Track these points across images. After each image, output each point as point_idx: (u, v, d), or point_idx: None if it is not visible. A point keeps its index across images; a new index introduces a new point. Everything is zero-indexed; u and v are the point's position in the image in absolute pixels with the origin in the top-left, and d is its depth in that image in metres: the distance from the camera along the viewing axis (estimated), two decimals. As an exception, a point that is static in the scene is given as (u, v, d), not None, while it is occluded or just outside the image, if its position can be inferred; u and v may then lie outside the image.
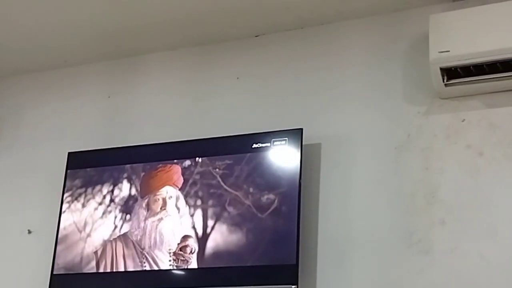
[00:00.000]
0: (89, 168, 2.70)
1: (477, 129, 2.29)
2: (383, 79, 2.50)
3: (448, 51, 2.23)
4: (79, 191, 2.68)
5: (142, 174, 2.60)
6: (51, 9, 2.68)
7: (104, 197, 2.63)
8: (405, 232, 2.26)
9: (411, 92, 2.44)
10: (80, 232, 2.61)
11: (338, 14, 2.62)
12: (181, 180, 2.53)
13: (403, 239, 2.25)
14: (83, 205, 2.65)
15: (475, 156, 2.26)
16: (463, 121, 2.33)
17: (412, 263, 2.22)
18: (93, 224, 2.61)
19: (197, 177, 2.50)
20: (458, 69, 2.25)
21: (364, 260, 2.29)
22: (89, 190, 2.66)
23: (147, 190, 2.58)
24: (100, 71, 3.04)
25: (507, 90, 2.29)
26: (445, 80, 2.28)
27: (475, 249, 2.15)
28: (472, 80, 2.27)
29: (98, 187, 2.65)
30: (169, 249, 2.45)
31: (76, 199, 2.67)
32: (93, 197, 2.65)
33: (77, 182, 2.70)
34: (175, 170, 2.55)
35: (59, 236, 2.64)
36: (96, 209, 2.63)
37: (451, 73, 2.27)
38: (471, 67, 2.23)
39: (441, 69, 2.26)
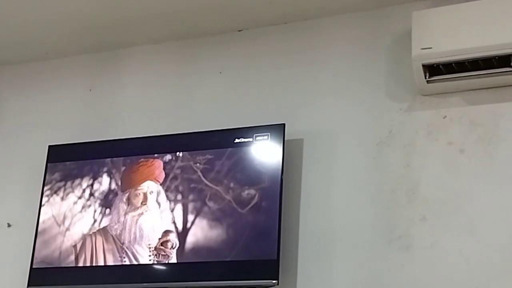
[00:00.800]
0: (69, 161, 2.68)
1: (458, 126, 2.30)
2: (366, 75, 2.50)
3: (431, 47, 2.24)
4: (59, 184, 2.66)
5: (123, 168, 2.59)
6: (33, 1, 2.65)
7: (84, 191, 2.61)
8: (386, 228, 2.27)
9: (393, 88, 2.44)
10: (59, 226, 2.59)
11: (321, 9, 2.62)
12: (163, 175, 2.52)
13: (384, 235, 2.26)
14: (63, 199, 2.63)
15: (456, 153, 2.27)
16: (444, 118, 2.34)
17: (392, 259, 2.22)
18: (73, 218, 2.59)
19: (178, 171, 2.49)
20: (440, 66, 2.26)
21: (345, 256, 2.29)
22: (69, 183, 2.64)
23: (128, 184, 2.56)
24: (82, 64, 3.02)
25: (488, 88, 2.30)
26: (427, 77, 2.29)
27: (455, 245, 2.16)
28: (454, 77, 2.27)
29: (77, 181, 2.63)
30: (149, 244, 2.43)
31: (55, 192, 2.65)
32: (73, 191, 2.63)
33: (57, 175, 2.67)
34: (157, 165, 2.54)
35: (38, 229, 2.62)
36: (75, 203, 2.61)
37: (433, 70, 2.28)
38: (453, 64, 2.24)
39: (423, 65, 2.26)
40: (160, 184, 2.50)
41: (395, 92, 2.44)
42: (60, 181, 2.66)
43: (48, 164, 2.71)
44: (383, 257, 2.24)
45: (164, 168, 2.52)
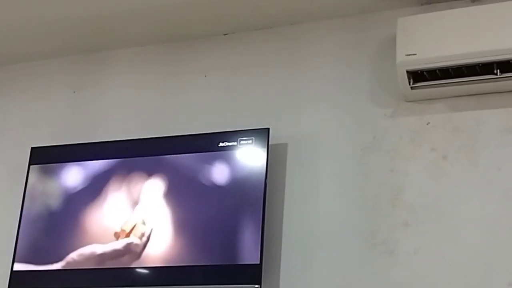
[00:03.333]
0: (52, 163, 2.66)
1: (442, 132, 2.32)
2: (350, 81, 2.51)
3: (415, 54, 2.25)
4: (41, 186, 2.63)
5: (108, 171, 2.57)
6: (18, 2, 2.63)
7: (67, 193, 2.59)
8: (369, 233, 2.27)
9: (377, 94, 2.46)
10: (41, 228, 2.57)
11: (307, 14, 2.63)
12: (148, 177, 2.50)
13: (367, 240, 2.27)
14: (45, 201, 2.61)
15: (439, 159, 2.29)
16: (428, 124, 2.35)
17: (375, 264, 2.23)
18: (54, 220, 2.56)
19: (162, 174, 2.48)
20: (424, 73, 2.27)
21: (328, 261, 2.29)
22: (51, 185, 2.62)
23: (112, 186, 2.55)
24: (66, 66, 3.01)
25: (471, 94, 2.31)
26: (411, 83, 2.30)
27: (438, 250, 2.17)
28: (437, 84, 2.29)
29: (60, 183, 2.61)
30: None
31: (38, 194, 2.63)
32: (56, 193, 2.60)
33: (39, 177, 2.65)
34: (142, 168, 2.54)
35: (20, 232, 2.59)
36: (58, 205, 2.58)
37: (417, 76, 2.29)
38: (437, 70, 2.25)
39: (407, 72, 2.27)
40: (145, 187, 2.49)
41: (380, 98, 2.45)
42: (43, 183, 2.63)
43: (31, 166, 2.69)
44: (366, 262, 2.24)
45: (148, 171, 2.50)
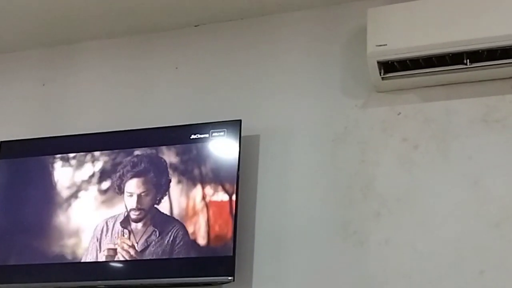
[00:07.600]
0: (22, 158, 2.62)
1: (413, 123, 2.33)
2: (321, 72, 2.51)
3: (385, 44, 2.25)
4: (12, 181, 2.60)
5: (78, 164, 2.55)
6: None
7: (38, 187, 2.56)
8: (341, 224, 2.28)
9: (348, 85, 2.46)
10: (11, 224, 2.54)
11: (277, 5, 2.62)
12: (118, 171, 2.48)
13: (339, 231, 2.27)
14: (15, 196, 2.58)
15: (410, 149, 2.30)
16: (399, 114, 2.36)
17: (347, 255, 2.24)
18: (25, 215, 2.54)
19: (133, 168, 2.46)
20: (395, 63, 2.28)
21: (300, 252, 2.30)
22: (21, 180, 2.59)
23: (83, 181, 2.53)
24: (35, 59, 2.97)
25: (442, 85, 2.33)
26: (382, 74, 2.30)
27: (409, 241, 2.18)
28: (408, 74, 2.29)
29: (30, 178, 2.58)
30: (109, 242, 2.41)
31: (8, 189, 2.60)
32: (25, 188, 2.57)
33: (10, 172, 2.62)
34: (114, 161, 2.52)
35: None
36: (29, 200, 2.56)
37: (388, 67, 2.29)
38: (407, 61, 2.26)
39: (378, 62, 2.27)
40: (116, 181, 2.47)
41: (351, 89, 2.45)
42: (14, 178, 2.60)
43: (0, 161, 2.65)
44: (338, 253, 2.25)
45: (119, 164, 2.49)
